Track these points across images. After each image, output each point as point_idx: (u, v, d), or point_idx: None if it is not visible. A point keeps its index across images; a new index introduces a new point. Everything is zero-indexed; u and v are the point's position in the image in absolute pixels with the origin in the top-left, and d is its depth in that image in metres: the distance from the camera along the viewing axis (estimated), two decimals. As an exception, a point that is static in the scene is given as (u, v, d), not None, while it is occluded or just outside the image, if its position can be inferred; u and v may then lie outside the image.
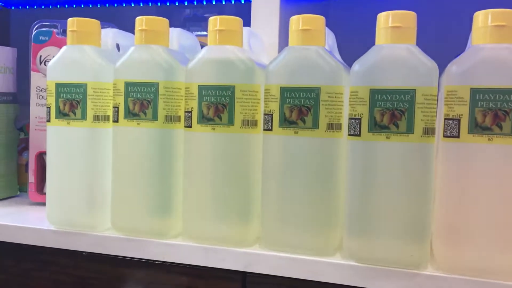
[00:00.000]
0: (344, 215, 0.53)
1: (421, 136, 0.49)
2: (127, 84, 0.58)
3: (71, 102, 0.60)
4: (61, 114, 0.61)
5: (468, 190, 0.48)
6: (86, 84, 0.60)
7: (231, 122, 0.55)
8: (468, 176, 0.48)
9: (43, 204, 0.75)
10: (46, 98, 0.62)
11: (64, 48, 0.62)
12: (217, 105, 0.55)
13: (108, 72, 0.61)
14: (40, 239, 0.63)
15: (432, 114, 0.49)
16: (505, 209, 0.47)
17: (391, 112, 0.49)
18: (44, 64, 0.76)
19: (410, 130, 0.49)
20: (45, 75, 0.77)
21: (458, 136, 0.48)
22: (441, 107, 0.51)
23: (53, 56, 0.76)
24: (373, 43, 0.52)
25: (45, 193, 0.76)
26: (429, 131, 0.49)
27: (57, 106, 0.61)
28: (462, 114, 0.48)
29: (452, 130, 0.49)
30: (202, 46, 0.69)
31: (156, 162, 0.58)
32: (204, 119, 0.56)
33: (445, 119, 0.49)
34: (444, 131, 0.49)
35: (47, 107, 0.62)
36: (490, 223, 0.48)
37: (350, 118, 0.52)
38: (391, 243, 0.51)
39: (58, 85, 0.61)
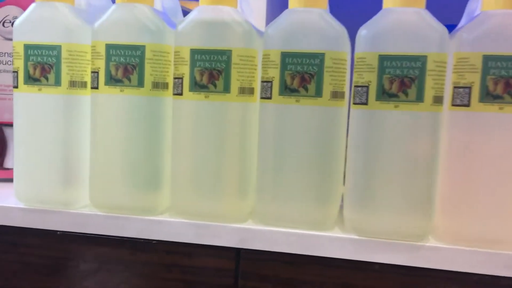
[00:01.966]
0: (346, 187, 0.51)
1: (431, 105, 0.47)
2: (109, 47, 0.52)
3: (43, 66, 0.54)
4: (31, 80, 0.55)
5: (477, 160, 0.47)
6: (60, 46, 0.54)
7: (227, 89, 0.51)
8: (478, 146, 0.47)
9: (5, 180, 0.69)
10: (13, 62, 0.55)
11: (33, 5, 0.55)
12: (212, 71, 0.51)
13: (84, 33, 0.55)
14: (7, 217, 0.57)
15: (442, 81, 0.48)
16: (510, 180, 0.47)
17: (400, 79, 0.47)
18: (3, 25, 0.69)
19: (420, 98, 0.47)
20: (5, 37, 0.69)
21: (468, 105, 0.47)
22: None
23: (13, 17, 0.69)
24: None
25: (5, 168, 0.70)
26: (438, 100, 0.48)
27: (26, 71, 0.55)
28: (473, 82, 0.47)
29: (462, 98, 0.47)
30: (183, 12, 0.65)
31: (141, 132, 0.54)
32: (196, 86, 0.51)
33: (454, 87, 0.48)
34: (453, 99, 0.48)
35: (14, 72, 0.55)
36: (498, 193, 0.47)
37: (356, 86, 0.49)
38: (394, 215, 0.49)
39: (27, 47, 0.54)
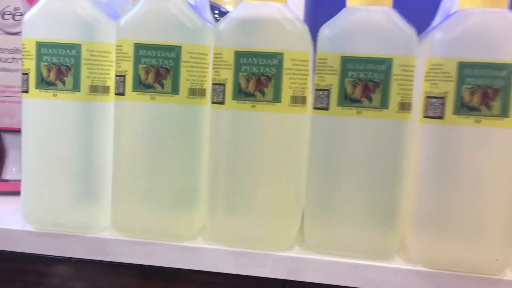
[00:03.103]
0: (413, 210, 0.45)
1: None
2: (138, 47, 0.45)
3: (59, 67, 0.46)
4: (44, 83, 0.47)
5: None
6: (79, 45, 0.46)
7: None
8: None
9: (3, 193, 0.61)
10: (22, 62, 0.47)
11: (46, -4, 0.47)
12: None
13: (108, 30, 0.47)
14: (12, 242, 0.49)
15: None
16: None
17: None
18: (3, 17, 0.60)
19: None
20: (5, 31, 0.61)
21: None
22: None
23: (14, 8, 0.61)
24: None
25: (5, 180, 0.62)
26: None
27: (39, 73, 0.47)
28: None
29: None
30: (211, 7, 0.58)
31: (174, 144, 0.47)
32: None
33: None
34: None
35: (24, 74, 0.47)
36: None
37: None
38: (469, 244, 0.43)
39: (40, 45, 0.46)
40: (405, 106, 0.43)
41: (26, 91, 0.47)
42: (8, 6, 0.61)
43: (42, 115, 0.47)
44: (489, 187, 0.42)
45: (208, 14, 0.55)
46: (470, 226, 0.43)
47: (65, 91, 0.47)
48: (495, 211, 0.42)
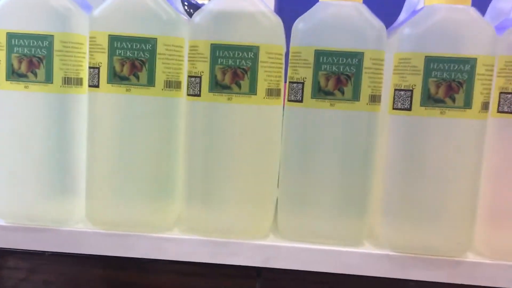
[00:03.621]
0: (382, 198, 0.47)
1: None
2: (113, 39, 0.45)
3: (30, 59, 0.46)
4: (15, 75, 0.46)
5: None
6: (52, 36, 0.45)
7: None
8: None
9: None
10: (-8, 53, 0.46)
11: (17, -15, 0.46)
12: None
13: (80, 20, 0.47)
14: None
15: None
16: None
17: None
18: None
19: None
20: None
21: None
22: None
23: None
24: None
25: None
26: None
27: (10, 64, 0.46)
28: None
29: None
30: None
31: (149, 136, 0.47)
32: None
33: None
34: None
35: (-6, 65, 0.46)
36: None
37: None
38: (433, 228, 0.45)
39: (11, 36, 0.45)
40: (375, 99, 0.45)
41: (-4, 83, 0.46)
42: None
43: (14, 107, 0.47)
44: (452, 175, 0.44)
45: (179, 6, 0.55)
46: (434, 212, 0.45)
47: (37, 83, 0.46)
48: (457, 198, 0.45)
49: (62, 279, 0.50)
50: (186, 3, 0.69)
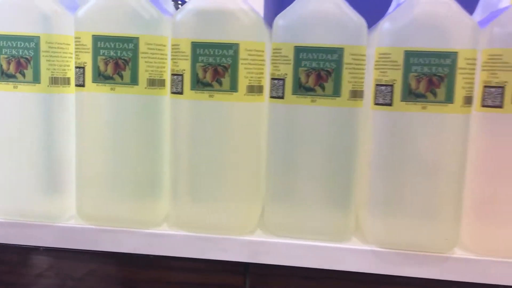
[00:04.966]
0: (368, 194, 0.47)
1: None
2: (97, 39, 0.46)
3: (18, 59, 0.47)
4: (4, 76, 0.47)
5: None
6: (38, 37, 0.46)
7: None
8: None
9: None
10: (-18, 55, 0.48)
11: (3, -12, 0.47)
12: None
13: (66, 21, 0.47)
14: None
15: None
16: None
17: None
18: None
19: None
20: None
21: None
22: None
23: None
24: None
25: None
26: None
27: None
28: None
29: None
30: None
31: (136, 134, 0.47)
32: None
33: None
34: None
35: (-16, 66, 0.48)
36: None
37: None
38: (418, 224, 0.45)
39: (0, 38, 0.47)
40: (357, 94, 0.45)
41: (-13, 84, 0.48)
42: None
43: (3, 107, 0.48)
44: (437, 170, 0.44)
45: (169, 5, 0.56)
46: (420, 208, 0.45)
47: (25, 83, 0.47)
48: (443, 192, 0.44)
49: (56, 273, 0.51)
50: (180, 2, 0.69)
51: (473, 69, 0.43)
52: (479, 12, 0.54)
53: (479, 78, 0.44)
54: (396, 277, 0.47)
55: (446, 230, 0.45)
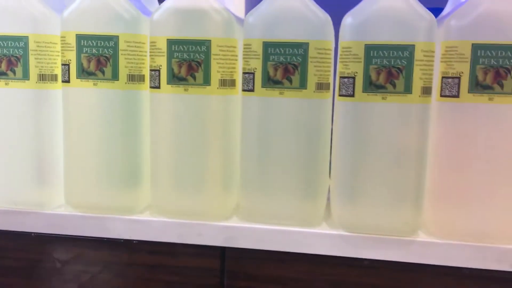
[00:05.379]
0: (334, 180, 0.49)
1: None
2: (80, 37, 0.49)
3: (9, 58, 0.50)
4: (-3, 73, 0.51)
5: (466, 152, 0.46)
6: (27, 37, 0.50)
7: (207, 82, 0.48)
8: (468, 138, 0.45)
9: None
10: (-24, 54, 0.52)
11: (-5, -8, 0.51)
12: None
13: (53, 22, 0.51)
14: (-23, 220, 0.54)
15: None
16: (506, 172, 0.45)
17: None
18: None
19: (408, 89, 0.45)
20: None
21: (457, 96, 0.45)
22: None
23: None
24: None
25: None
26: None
27: (-9, 64, 0.51)
28: (462, 72, 0.45)
29: (451, 89, 0.45)
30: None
31: (118, 127, 0.51)
32: (175, 79, 0.48)
33: (443, 77, 0.46)
34: (441, 90, 0.46)
35: (-22, 65, 0.52)
36: (488, 186, 0.46)
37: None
38: (382, 209, 0.47)
39: (-9, 38, 0.50)
40: (323, 86, 0.48)
41: (-19, 81, 0.52)
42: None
43: (-4, 103, 0.52)
44: (397, 157, 0.46)
45: (155, 5, 0.59)
46: (381, 194, 0.47)
47: (16, 80, 0.51)
48: (404, 179, 0.47)
49: (47, 257, 0.55)
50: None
51: (431, 60, 0.45)
52: (450, 5, 0.56)
53: (439, 70, 0.46)
54: (363, 260, 0.49)
55: (407, 215, 0.47)
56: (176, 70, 0.48)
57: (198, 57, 0.48)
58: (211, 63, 0.48)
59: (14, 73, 0.51)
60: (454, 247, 0.47)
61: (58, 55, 0.52)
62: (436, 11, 0.52)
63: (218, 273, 0.52)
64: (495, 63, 0.44)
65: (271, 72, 0.47)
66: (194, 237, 0.51)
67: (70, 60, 0.50)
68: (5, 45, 0.50)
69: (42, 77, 0.51)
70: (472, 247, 0.47)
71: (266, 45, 0.47)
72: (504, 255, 0.46)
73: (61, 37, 0.50)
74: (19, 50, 0.50)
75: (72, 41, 0.49)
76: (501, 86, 0.44)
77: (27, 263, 0.55)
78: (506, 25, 0.44)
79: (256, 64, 0.48)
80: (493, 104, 0.45)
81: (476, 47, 0.44)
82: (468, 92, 0.45)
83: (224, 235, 0.51)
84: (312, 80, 0.47)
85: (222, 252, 0.52)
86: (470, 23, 0.44)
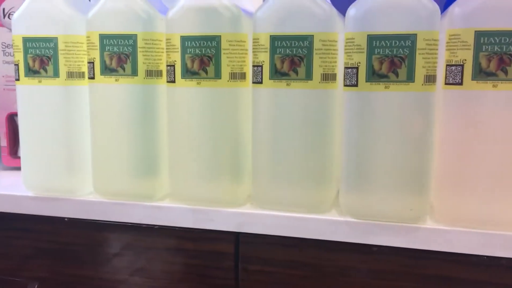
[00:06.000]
0: (341, 169, 0.51)
1: (422, 85, 0.46)
2: (102, 37, 0.53)
3: (41, 58, 0.55)
4: (31, 72, 0.56)
5: (471, 139, 0.46)
6: (56, 38, 0.55)
7: (217, 75, 0.51)
8: (472, 125, 0.46)
9: (18, 168, 0.71)
10: (13, 55, 0.57)
11: (29, -2, 0.56)
12: (202, 58, 0.51)
13: (80, 23, 0.55)
14: (18, 206, 0.60)
15: (434, 60, 0.46)
16: (509, 159, 0.45)
17: (390, 59, 0.46)
18: (9, 17, 0.70)
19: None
20: (11, 29, 0.71)
21: (461, 83, 0.45)
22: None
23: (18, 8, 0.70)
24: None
25: (19, 157, 0.72)
26: (430, 79, 0.46)
27: (26, 63, 0.56)
28: (465, 60, 0.45)
29: (454, 76, 0.46)
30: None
31: (138, 120, 0.54)
32: (188, 73, 0.52)
33: (447, 65, 0.46)
34: (446, 78, 0.46)
35: (15, 65, 0.57)
36: (493, 173, 0.46)
37: (346, 68, 0.48)
38: (389, 197, 0.48)
39: (26, 40, 0.55)
40: (328, 77, 0.49)
41: (18, 79, 0.57)
42: (12, 8, 0.70)
43: (31, 99, 0.57)
44: (401, 144, 0.47)
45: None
46: (387, 180, 0.48)
47: (47, 78, 0.55)
48: (407, 165, 0.47)
49: (80, 241, 0.60)
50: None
51: (434, 49, 0.46)
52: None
53: (444, 58, 0.47)
54: (372, 246, 0.50)
55: (413, 202, 0.48)
56: (189, 64, 0.51)
57: (209, 52, 0.50)
58: (221, 57, 0.50)
59: (46, 71, 0.55)
60: (460, 234, 0.48)
61: (85, 54, 0.56)
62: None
63: (232, 257, 0.55)
64: (499, 49, 0.44)
65: (278, 65, 0.49)
66: (209, 222, 0.54)
67: (95, 58, 0.54)
68: (38, 46, 0.55)
69: (71, 75, 0.56)
70: (479, 234, 0.47)
71: (273, 39, 0.49)
72: (511, 241, 0.46)
73: (87, 37, 0.54)
74: (50, 50, 0.55)
75: (96, 40, 0.53)
76: (505, 72, 0.44)
77: (61, 246, 0.60)
78: (508, 11, 0.44)
79: (264, 57, 0.50)
80: (497, 91, 0.45)
81: (479, 34, 0.44)
82: (472, 79, 0.45)
83: (237, 220, 0.53)
84: (317, 71, 0.49)
85: (236, 238, 0.55)
86: (472, 10, 0.45)
